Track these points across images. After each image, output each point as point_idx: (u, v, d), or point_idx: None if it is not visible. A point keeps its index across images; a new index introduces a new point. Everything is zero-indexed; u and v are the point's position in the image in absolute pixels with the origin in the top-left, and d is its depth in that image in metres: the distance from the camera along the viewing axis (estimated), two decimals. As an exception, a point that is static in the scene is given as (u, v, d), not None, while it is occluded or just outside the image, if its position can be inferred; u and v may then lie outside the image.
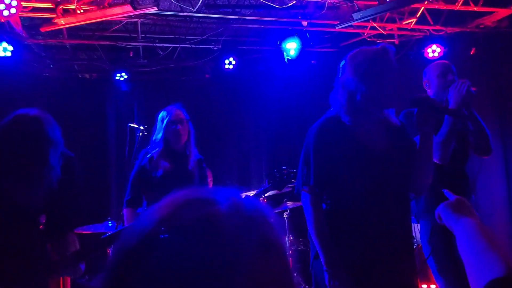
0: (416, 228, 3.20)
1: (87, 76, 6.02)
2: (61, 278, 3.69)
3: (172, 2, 4.17)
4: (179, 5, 4.31)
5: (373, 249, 2.00)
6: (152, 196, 3.14)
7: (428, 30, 5.09)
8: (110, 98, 6.02)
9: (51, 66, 5.51)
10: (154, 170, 3.13)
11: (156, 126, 3.28)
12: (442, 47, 5.00)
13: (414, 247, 3.72)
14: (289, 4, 4.30)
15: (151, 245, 0.54)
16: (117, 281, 0.55)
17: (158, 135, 3.21)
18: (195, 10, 4.28)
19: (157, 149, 3.20)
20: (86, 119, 5.85)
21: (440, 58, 4.91)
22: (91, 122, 5.90)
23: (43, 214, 2.06)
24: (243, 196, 0.63)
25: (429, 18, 4.92)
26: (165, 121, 3.19)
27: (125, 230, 0.58)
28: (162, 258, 0.52)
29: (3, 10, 3.46)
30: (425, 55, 5.04)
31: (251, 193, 3.51)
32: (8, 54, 4.22)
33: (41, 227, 2.07)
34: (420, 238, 2.92)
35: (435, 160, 2.53)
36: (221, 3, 4.68)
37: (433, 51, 5.03)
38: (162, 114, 3.26)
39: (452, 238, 1.15)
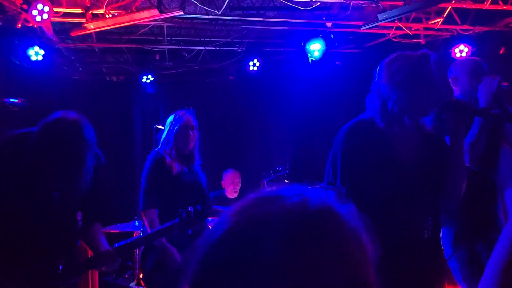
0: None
1: (114, 78, 6.16)
2: (90, 277, 3.80)
3: (197, 5, 4.23)
4: (204, 8, 4.37)
5: (398, 255, 1.95)
6: (166, 197, 3.12)
7: (455, 29, 5.01)
8: (137, 100, 6.14)
9: (80, 69, 5.66)
10: (168, 171, 3.08)
11: (165, 128, 3.26)
12: (470, 47, 4.91)
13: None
14: (314, 6, 4.30)
15: (229, 242, 0.56)
16: (203, 275, 0.57)
17: (169, 138, 3.18)
18: (220, 13, 4.32)
19: (169, 151, 3.15)
20: (113, 120, 5.99)
21: (467, 58, 4.83)
22: (118, 124, 6.04)
23: (79, 211, 2.17)
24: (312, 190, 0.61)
25: (456, 18, 4.84)
26: (176, 126, 3.18)
27: (207, 231, 0.62)
28: (237, 254, 0.55)
29: (36, 15, 3.59)
30: (452, 55, 4.95)
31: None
32: (40, 58, 4.36)
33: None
34: (443, 243, 2.85)
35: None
36: (245, 6, 4.72)
37: (461, 51, 4.94)
38: (173, 117, 3.25)
39: (478, 244, 1.13)
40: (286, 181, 4.25)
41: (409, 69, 1.96)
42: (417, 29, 5.04)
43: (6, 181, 1.91)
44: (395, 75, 1.96)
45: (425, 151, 2.05)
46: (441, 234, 2.85)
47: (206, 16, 4.58)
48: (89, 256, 2.14)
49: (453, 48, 4.97)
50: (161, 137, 3.28)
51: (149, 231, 3.01)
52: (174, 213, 2.83)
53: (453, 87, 2.86)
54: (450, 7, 4.62)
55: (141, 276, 3.11)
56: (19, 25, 3.92)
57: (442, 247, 2.87)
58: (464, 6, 4.61)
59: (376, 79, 2.06)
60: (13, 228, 1.94)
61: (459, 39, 4.96)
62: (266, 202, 0.59)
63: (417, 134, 2.06)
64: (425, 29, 5.05)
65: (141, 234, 2.29)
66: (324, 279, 0.53)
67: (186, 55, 5.54)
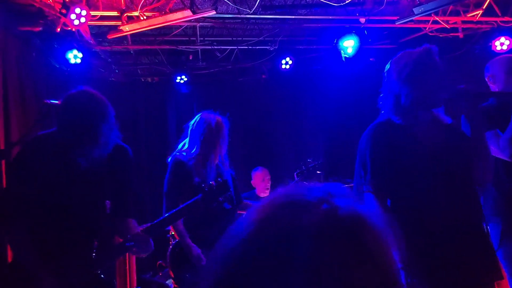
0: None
1: (149, 79, 6.28)
2: (128, 274, 3.89)
3: (229, 5, 4.25)
4: (236, 8, 4.39)
5: (445, 244, 1.96)
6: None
7: (495, 22, 4.82)
8: (171, 100, 6.24)
9: (117, 71, 5.80)
10: (189, 178, 3.00)
11: (190, 129, 3.13)
12: (511, 39, 4.72)
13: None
14: (346, 1, 4.23)
15: (250, 246, 0.57)
16: (226, 275, 0.58)
17: (195, 144, 3.06)
18: (251, 12, 4.33)
19: (194, 157, 3.04)
20: (148, 121, 6.10)
21: (509, 51, 4.64)
22: (153, 124, 6.15)
23: (108, 200, 2.26)
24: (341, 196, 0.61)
25: (496, 9, 4.65)
26: (205, 128, 3.05)
27: (228, 231, 0.62)
28: (259, 259, 0.55)
29: (74, 19, 3.70)
30: (493, 48, 4.77)
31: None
32: (78, 61, 4.48)
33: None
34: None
35: (505, 158, 2.45)
36: (277, 4, 4.70)
37: (501, 43, 4.76)
38: (200, 120, 3.10)
39: None
40: (318, 172, 4.18)
41: (414, 64, 2.06)
42: (455, 23, 4.87)
43: (39, 168, 2.04)
44: (402, 72, 2.08)
45: (446, 139, 2.12)
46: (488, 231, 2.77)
47: (238, 16, 4.59)
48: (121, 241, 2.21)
49: (493, 41, 4.78)
50: (183, 139, 3.16)
51: (176, 236, 3.06)
52: (195, 219, 2.84)
53: (490, 85, 2.79)
54: (489, -2, 4.46)
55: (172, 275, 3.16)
56: (58, 29, 4.06)
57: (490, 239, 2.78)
58: (505, -3, 4.44)
59: (386, 80, 2.19)
60: (49, 206, 2.05)
61: (500, 31, 4.77)
62: (294, 211, 0.58)
63: (434, 124, 2.13)
64: (463, 22, 4.88)
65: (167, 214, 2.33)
66: (359, 283, 0.53)
67: (218, 54, 5.58)
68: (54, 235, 2.05)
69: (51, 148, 2.08)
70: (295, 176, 4.58)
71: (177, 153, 3.15)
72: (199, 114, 3.20)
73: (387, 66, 2.19)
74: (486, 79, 2.83)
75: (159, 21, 4.05)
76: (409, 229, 2.02)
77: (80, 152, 2.05)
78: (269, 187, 5.04)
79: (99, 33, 4.85)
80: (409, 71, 2.05)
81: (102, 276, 2.11)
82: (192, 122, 3.17)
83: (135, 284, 4.09)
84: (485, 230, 2.18)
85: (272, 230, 0.57)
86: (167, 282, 4.78)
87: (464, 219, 2.01)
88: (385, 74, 2.20)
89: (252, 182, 5.16)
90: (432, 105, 2.11)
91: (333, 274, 0.53)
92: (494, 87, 2.78)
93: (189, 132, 3.16)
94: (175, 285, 3.14)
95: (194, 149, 3.06)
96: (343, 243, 0.55)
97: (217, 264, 0.59)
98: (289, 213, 0.58)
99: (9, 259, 3.37)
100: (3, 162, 3.40)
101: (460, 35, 5.00)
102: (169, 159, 3.17)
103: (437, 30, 4.95)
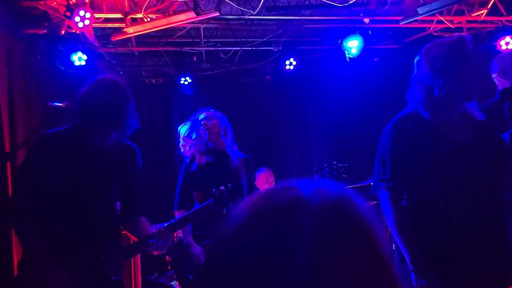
0: None
1: (153, 81, 6.30)
2: (133, 276, 3.89)
3: (233, 6, 4.25)
4: (240, 9, 4.39)
5: (460, 246, 1.91)
6: (192, 199, 3.26)
7: (500, 21, 4.79)
8: (175, 102, 6.25)
9: (121, 72, 5.82)
10: (199, 170, 3.23)
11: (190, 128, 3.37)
12: (517, 39, 4.69)
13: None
14: (350, 2, 4.22)
15: (244, 230, 0.57)
16: (218, 262, 0.58)
17: (192, 135, 3.30)
18: (255, 13, 4.33)
19: (198, 148, 3.27)
20: (153, 122, 6.12)
21: (514, 50, 4.62)
22: (158, 125, 6.16)
23: (118, 201, 2.32)
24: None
25: (501, 9, 4.63)
26: (188, 128, 3.32)
27: (227, 218, 0.63)
28: (250, 240, 0.55)
29: (78, 22, 3.71)
30: (498, 47, 4.74)
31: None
32: (83, 63, 4.49)
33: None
34: None
35: None
36: (281, 5, 4.70)
37: (507, 43, 4.73)
38: (195, 117, 3.37)
39: None
40: (344, 176, 4.14)
41: (447, 53, 1.95)
42: (460, 22, 4.85)
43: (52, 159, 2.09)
44: (435, 62, 1.96)
45: (478, 136, 2.01)
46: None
47: (242, 17, 4.59)
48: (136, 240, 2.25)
49: (498, 41, 4.76)
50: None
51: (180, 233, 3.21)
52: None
53: (500, 81, 2.72)
54: (494, -3, 4.43)
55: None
56: (63, 32, 4.07)
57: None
58: (510, -4, 4.41)
59: (415, 71, 2.06)
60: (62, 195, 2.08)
61: (505, 31, 4.74)
62: (280, 191, 0.59)
63: (466, 119, 2.02)
64: (468, 21, 4.86)
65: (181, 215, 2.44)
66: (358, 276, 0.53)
67: (222, 56, 5.58)
68: (65, 233, 2.08)
69: (62, 144, 2.13)
70: (316, 176, 4.54)
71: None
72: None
73: (417, 58, 2.08)
74: (496, 75, 2.72)
75: (163, 23, 4.06)
76: (425, 230, 1.98)
77: (102, 136, 2.13)
78: (273, 188, 5.03)
79: (104, 35, 4.86)
80: (443, 61, 1.95)
81: (111, 274, 2.12)
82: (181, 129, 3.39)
83: (140, 285, 4.10)
84: (508, 239, 2.04)
85: (260, 208, 0.57)
86: (172, 283, 4.78)
87: (484, 225, 1.92)
88: (415, 66, 2.08)
89: (255, 183, 5.15)
90: (467, 98, 2.00)
91: (317, 248, 0.52)
92: (505, 83, 2.69)
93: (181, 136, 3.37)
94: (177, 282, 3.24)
95: (195, 139, 3.27)
96: (333, 216, 0.55)
97: (214, 262, 0.59)
98: (279, 193, 0.59)
99: (14, 260, 3.38)
100: (8, 164, 3.41)
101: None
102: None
103: (441, 30, 4.93)
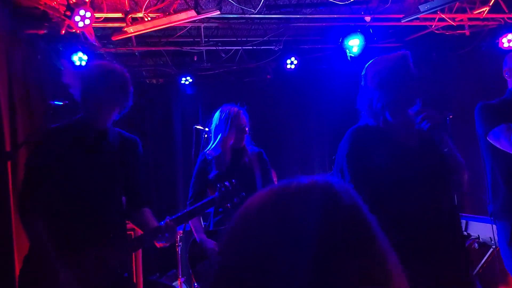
0: (493, 230, 3.00)
1: (154, 81, 6.28)
2: (134, 275, 3.88)
3: (233, 5, 4.23)
4: (241, 8, 4.37)
5: (416, 246, 1.97)
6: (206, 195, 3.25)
7: (502, 18, 4.77)
8: (176, 102, 6.23)
9: (121, 72, 5.80)
10: (214, 169, 3.21)
11: (214, 125, 3.32)
12: (519, 36, 4.67)
13: (470, 246, 3.54)
14: (351, 0, 4.21)
15: (249, 220, 0.60)
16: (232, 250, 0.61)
17: (220, 135, 3.24)
18: (256, 11, 4.31)
19: (217, 148, 3.24)
20: (154, 122, 6.10)
21: (517, 48, 4.60)
22: (159, 125, 6.15)
23: (123, 196, 2.33)
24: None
25: (503, 6, 4.61)
26: (229, 121, 3.24)
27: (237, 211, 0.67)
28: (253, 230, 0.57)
29: (78, 21, 3.69)
30: (500, 45, 4.72)
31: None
32: (83, 63, 4.48)
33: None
34: (498, 241, 2.72)
35: None
36: (281, 3, 4.68)
37: (509, 40, 4.71)
38: (223, 113, 3.30)
39: None
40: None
41: (387, 70, 2.16)
42: (461, 20, 4.83)
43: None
44: (375, 78, 2.18)
45: (423, 140, 2.18)
46: (495, 230, 2.73)
47: (243, 16, 4.58)
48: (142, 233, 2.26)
49: (500, 38, 4.74)
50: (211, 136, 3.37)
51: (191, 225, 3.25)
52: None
53: (508, 79, 2.75)
54: (496, -5, 4.41)
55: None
56: (63, 32, 4.06)
57: (499, 247, 2.73)
58: (512, -7, 4.39)
59: (362, 83, 2.28)
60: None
61: (507, 28, 4.72)
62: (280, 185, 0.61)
63: (407, 127, 2.18)
64: (470, 19, 4.84)
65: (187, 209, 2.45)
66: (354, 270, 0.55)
67: (223, 55, 5.57)
68: (72, 227, 2.08)
69: (68, 136, 2.16)
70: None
71: (205, 151, 3.37)
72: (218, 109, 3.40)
73: (363, 71, 2.28)
74: (504, 74, 2.78)
75: (164, 22, 4.04)
76: (384, 229, 2.01)
77: (103, 122, 2.21)
78: (275, 187, 5.02)
79: (104, 35, 4.85)
80: (382, 77, 2.14)
81: (120, 271, 2.12)
82: (219, 114, 3.34)
83: (141, 285, 4.09)
84: (462, 231, 2.23)
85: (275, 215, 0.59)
86: (173, 284, 4.77)
87: (437, 222, 2.04)
88: (362, 78, 2.29)
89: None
90: (402, 108, 2.15)
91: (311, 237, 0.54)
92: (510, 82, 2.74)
93: (214, 124, 3.33)
94: (194, 280, 3.24)
95: (217, 144, 3.25)
96: (333, 209, 0.57)
97: (225, 256, 0.60)
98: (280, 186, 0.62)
99: (15, 260, 3.37)
100: (9, 163, 3.40)
101: (467, 32, 4.95)
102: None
103: (443, 28, 4.91)
